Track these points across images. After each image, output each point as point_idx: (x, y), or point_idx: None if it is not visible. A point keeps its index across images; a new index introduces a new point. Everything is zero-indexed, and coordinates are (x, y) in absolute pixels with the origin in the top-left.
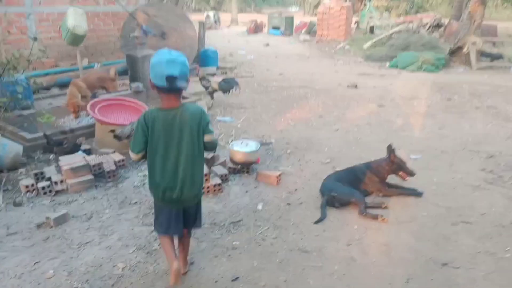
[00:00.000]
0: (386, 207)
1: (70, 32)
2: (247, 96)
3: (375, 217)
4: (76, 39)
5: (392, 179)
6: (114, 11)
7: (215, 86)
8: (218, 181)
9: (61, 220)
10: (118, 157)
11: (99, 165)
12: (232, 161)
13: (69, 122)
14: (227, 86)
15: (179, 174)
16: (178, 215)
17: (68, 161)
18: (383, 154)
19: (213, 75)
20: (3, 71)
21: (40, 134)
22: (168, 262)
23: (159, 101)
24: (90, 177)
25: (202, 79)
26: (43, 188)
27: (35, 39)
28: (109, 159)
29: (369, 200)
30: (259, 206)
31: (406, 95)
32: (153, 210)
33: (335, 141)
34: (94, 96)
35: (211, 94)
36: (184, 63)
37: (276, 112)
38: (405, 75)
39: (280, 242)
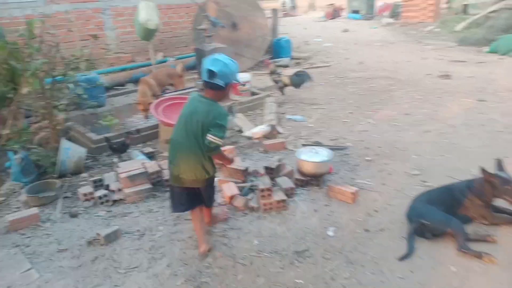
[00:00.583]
0: (493, 241)
1: (142, 26)
2: (322, 90)
3: (479, 255)
4: (148, 34)
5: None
6: (188, 2)
7: (286, 80)
8: (283, 196)
9: (112, 238)
10: None
11: (158, 173)
12: (299, 171)
13: (138, 121)
14: (299, 80)
15: (178, 154)
16: (181, 195)
17: (127, 167)
18: (486, 164)
19: (286, 66)
20: (65, 72)
21: (107, 135)
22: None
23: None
24: (147, 186)
25: (272, 73)
26: (100, 197)
27: (95, 36)
28: None
29: (470, 230)
30: (330, 232)
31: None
32: None
33: (425, 147)
34: (164, 93)
35: (281, 89)
36: (226, 64)
37: (354, 108)
38: (508, 62)
39: (354, 285)
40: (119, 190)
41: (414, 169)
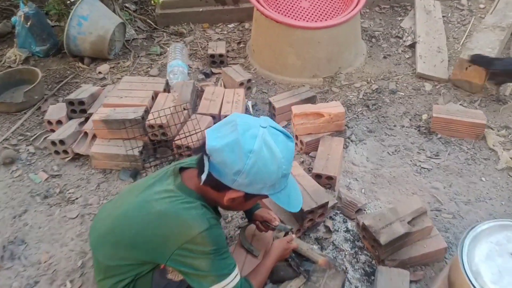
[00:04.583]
0: None
1: None
2: None
3: None
4: None
5: None
6: None
7: None
8: None
9: None
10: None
11: (161, 127)
12: None
13: None
14: None
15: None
16: None
17: (122, 94)
18: None
19: None
20: None
21: None
22: None
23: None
24: (133, 152)
25: None
26: (53, 143)
27: None
28: (206, 108)
29: None
30: None
31: None
32: None
33: None
34: None
35: None
36: (233, 151)
37: None
38: None
39: None
40: (94, 137)
41: None
